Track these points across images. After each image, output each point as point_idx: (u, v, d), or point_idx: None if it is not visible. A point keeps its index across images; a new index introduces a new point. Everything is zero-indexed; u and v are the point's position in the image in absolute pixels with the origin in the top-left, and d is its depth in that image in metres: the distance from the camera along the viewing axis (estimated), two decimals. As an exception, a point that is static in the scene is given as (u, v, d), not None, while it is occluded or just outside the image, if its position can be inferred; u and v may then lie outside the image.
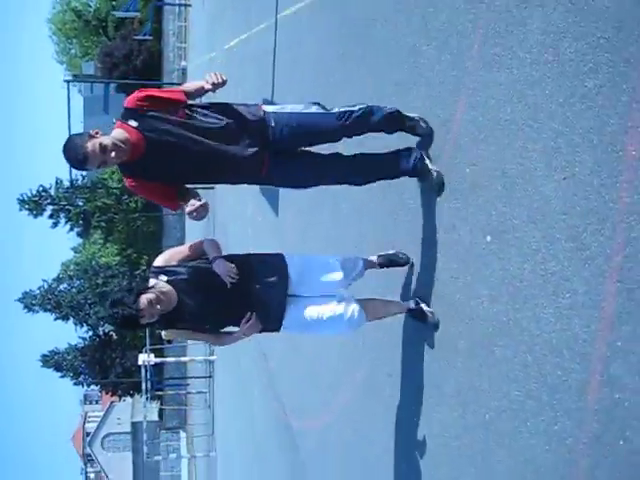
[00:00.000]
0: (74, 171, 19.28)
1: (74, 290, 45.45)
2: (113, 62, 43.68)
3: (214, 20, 19.54)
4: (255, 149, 3.46)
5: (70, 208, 45.12)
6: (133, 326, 3.46)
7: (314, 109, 3.58)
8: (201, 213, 3.34)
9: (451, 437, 3.53)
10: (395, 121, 3.71)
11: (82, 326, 45.34)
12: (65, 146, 3.26)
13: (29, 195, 44.46)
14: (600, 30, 2.37)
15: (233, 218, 15.43)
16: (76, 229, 46.68)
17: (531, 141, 2.79)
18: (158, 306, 3.36)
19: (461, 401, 3.43)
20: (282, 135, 3.51)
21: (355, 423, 5.41)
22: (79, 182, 42.04)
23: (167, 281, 3.45)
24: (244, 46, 12.13)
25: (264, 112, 3.53)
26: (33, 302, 44.68)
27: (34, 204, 44.32)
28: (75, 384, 46.25)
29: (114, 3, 45.91)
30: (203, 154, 3.39)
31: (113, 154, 3.22)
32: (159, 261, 3.58)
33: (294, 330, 3.90)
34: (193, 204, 3.32)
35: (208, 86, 3.41)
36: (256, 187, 10.74)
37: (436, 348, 3.70)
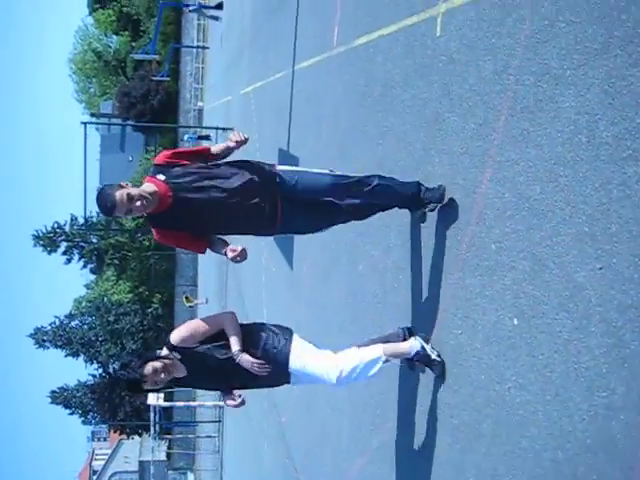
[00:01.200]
0: (89, 208, 19.29)
1: (85, 327, 45.38)
2: (131, 101, 44.26)
3: (231, 64, 19.73)
4: (271, 203, 3.65)
5: (84, 245, 45.28)
6: (136, 390, 3.57)
7: (326, 171, 3.78)
8: (243, 256, 3.53)
9: (474, 528, 3.32)
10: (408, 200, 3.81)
11: (92, 363, 45.15)
12: (98, 195, 3.43)
13: (44, 231, 44.68)
14: (639, 116, 2.24)
15: (247, 265, 15.33)
16: (89, 266, 46.75)
17: (563, 224, 2.65)
18: (162, 375, 3.47)
19: (485, 490, 3.22)
20: (293, 190, 3.69)
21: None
22: (93, 219, 42.27)
23: (180, 359, 3.41)
24: (261, 93, 12.16)
25: (278, 171, 3.74)
26: (44, 338, 44.61)
27: (48, 240, 44.51)
28: (83, 422, 45.87)
29: (133, 44, 46.64)
30: (227, 206, 3.56)
31: (139, 203, 3.38)
32: (176, 338, 3.51)
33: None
34: (234, 250, 3.51)
35: (233, 144, 3.62)
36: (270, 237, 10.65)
37: (457, 432, 3.51)
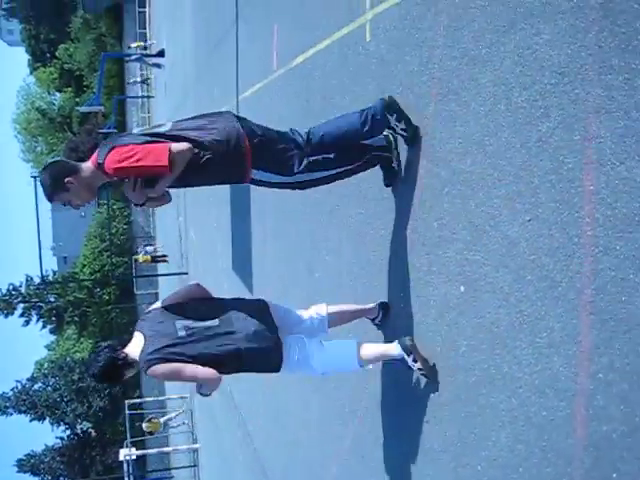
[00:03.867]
0: (45, 267, 19.08)
1: (49, 388, 44.41)
2: (79, 156, 44.03)
3: (177, 109, 19.96)
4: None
5: (42, 305, 44.56)
6: (113, 374, 3.53)
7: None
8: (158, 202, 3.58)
9: (445, 494, 3.47)
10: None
11: (59, 425, 44.08)
12: (41, 180, 3.45)
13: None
14: (546, 77, 2.50)
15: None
16: (49, 326, 46.01)
17: (493, 189, 2.88)
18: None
19: (452, 455, 3.39)
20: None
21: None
22: (50, 278, 41.68)
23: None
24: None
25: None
26: (7, 404, 43.44)
27: (4, 303, 43.71)
28: (54, 489, 44.52)
29: (77, 100, 46.66)
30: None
31: (77, 206, 3.49)
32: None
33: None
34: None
35: None
36: (228, 265, 10.78)
37: (420, 405, 3.68)
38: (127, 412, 25.84)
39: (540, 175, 2.56)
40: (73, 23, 48.62)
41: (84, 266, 44.55)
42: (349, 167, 3.71)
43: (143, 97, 35.72)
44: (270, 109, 7.14)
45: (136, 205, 3.55)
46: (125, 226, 44.74)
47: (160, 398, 28.62)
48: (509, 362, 2.85)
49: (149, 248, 31.42)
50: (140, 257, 27.16)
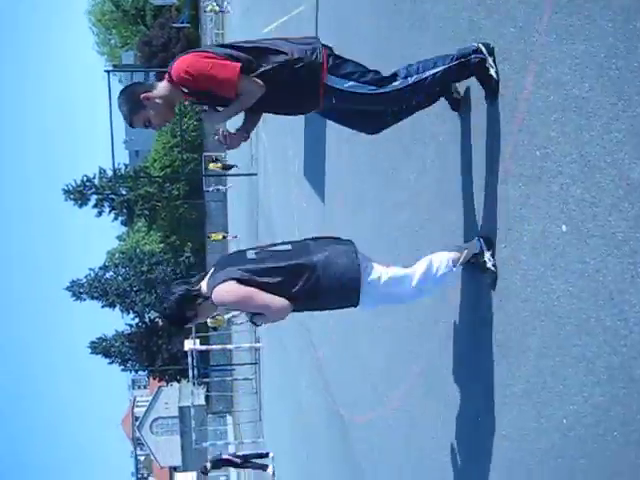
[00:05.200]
0: (117, 160, 19.25)
1: (120, 278, 46.17)
2: (152, 50, 43.86)
3: (251, 4, 19.33)
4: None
5: (114, 197, 45.70)
6: (181, 317, 3.35)
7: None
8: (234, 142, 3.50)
9: (524, 440, 3.28)
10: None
11: (128, 313, 46.10)
12: (119, 105, 3.36)
13: (74, 185, 45.14)
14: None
15: (277, 204, 15.29)
16: (120, 218, 47.29)
17: (615, 120, 2.50)
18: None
19: (534, 402, 3.17)
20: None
21: (413, 419, 5.20)
22: (122, 171, 42.48)
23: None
24: (284, 28, 11.88)
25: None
26: (81, 290, 45.54)
27: (78, 194, 45.00)
28: (123, 370, 47.07)
29: (151, -9, 45.93)
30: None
31: (157, 126, 3.39)
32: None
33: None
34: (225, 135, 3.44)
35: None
36: (299, 171, 10.55)
37: (505, 345, 3.45)
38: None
39: (680, 110, 2.18)
40: None
41: (155, 161, 45.10)
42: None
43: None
44: (352, 10, 6.67)
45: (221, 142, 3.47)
46: (196, 122, 44.74)
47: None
48: (613, 316, 2.56)
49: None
50: (210, 165, 27.50)
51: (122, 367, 46.39)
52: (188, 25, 40.00)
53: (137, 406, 57.37)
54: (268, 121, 16.37)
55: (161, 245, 49.61)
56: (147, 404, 54.83)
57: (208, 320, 21.06)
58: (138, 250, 48.55)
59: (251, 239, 22.15)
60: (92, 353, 46.25)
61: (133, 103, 3.29)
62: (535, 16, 3.03)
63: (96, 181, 45.35)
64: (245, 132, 3.57)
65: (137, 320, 45.90)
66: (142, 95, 3.27)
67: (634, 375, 2.45)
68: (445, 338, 4.25)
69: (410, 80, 3.42)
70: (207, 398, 39.83)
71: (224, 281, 3.21)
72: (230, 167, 27.27)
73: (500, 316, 3.50)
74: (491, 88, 3.46)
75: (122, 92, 3.36)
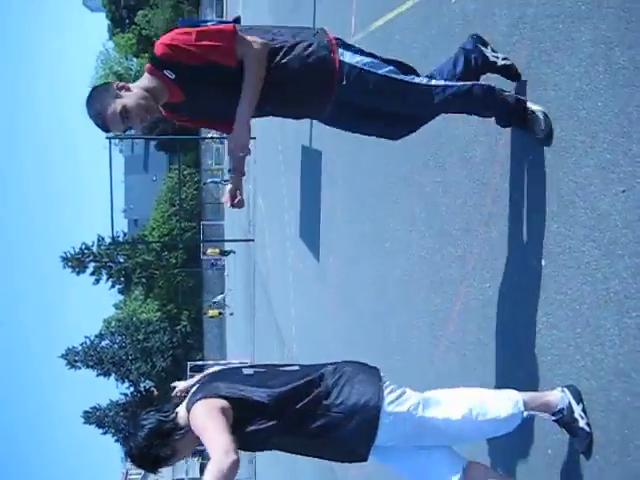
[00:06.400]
0: (116, 228, 19.43)
1: (116, 346, 45.94)
2: (153, 121, 44.83)
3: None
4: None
5: (112, 265, 45.90)
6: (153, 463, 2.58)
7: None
8: (240, 204, 3.02)
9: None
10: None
11: (123, 382, 45.62)
12: (87, 103, 2.75)
13: (72, 253, 45.38)
14: (655, 35, 2.29)
15: (273, 267, 15.44)
16: (117, 286, 47.41)
17: (584, 157, 2.69)
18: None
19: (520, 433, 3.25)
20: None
21: None
22: (120, 239, 42.76)
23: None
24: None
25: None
26: (76, 358, 45.19)
27: (77, 261, 45.22)
28: (116, 441, 46.22)
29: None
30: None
31: (138, 120, 2.74)
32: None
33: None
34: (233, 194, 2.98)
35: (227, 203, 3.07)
36: (295, 233, 10.75)
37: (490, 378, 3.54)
38: (189, 374, 26.44)
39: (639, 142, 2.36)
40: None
41: (153, 229, 45.54)
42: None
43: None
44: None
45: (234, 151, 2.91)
46: (195, 191, 45.39)
47: (222, 362, 29.21)
48: (591, 342, 2.67)
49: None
50: (209, 250, 28.39)
51: (115, 438, 45.59)
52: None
53: (129, 479, 55.97)
54: (265, 185, 16.69)
55: (158, 313, 49.47)
56: (140, 477, 53.49)
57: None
58: (135, 318, 48.41)
59: (247, 314, 22.16)
60: (85, 423, 45.57)
61: (106, 93, 2.71)
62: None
63: (94, 249, 45.65)
64: (240, 178, 3.05)
65: (132, 389, 45.41)
66: (117, 84, 2.76)
67: (611, 398, 2.55)
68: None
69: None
70: (202, 468, 38.95)
71: (203, 397, 2.52)
72: (228, 253, 27.76)
73: (481, 351, 3.60)
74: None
75: (93, 89, 2.79)
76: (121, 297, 54.89)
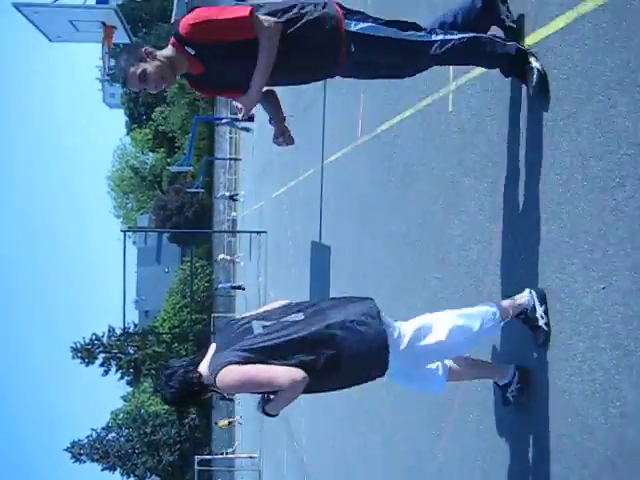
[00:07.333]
0: (127, 319, 19.56)
1: (122, 439, 45.06)
2: (166, 214, 45.76)
3: (263, 172, 20.60)
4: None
5: (121, 356, 45.67)
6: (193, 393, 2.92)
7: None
8: (290, 141, 3.41)
9: None
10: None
11: (129, 477, 44.53)
12: (117, 56, 3.17)
13: (82, 343, 45.30)
14: (622, 148, 2.56)
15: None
16: (126, 377, 46.98)
17: (567, 257, 2.92)
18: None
19: None
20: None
21: None
22: (131, 329, 42.81)
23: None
24: (292, 192, 12.73)
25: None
26: (81, 452, 44.29)
27: (86, 352, 45.04)
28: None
29: (169, 160, 48.74)
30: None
31: (153, 85, 3.07)
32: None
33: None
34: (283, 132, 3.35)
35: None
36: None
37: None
38: (196, 468, 25.95)
39: (615, 243, 2.59)
40: (169, 88, 51.21)
41: (164, 321, 45.59)
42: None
43: (230, 159, 37.05)
44: (353, 174, 7.35)
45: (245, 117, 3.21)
46: (207, 284, 45.72)
47: (230, 456, 28.66)
48: (581, 431, 2.82)
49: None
50: (220, 422, 29.85)
51: (119, 537, 44.07)
52: (202, 190, 42.04)
53: None
54: (276, 278, 16.93)
55: (166, 407, 48.77)
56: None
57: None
58: (143, 411, 47.73)
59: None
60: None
61: (134, 54, 3.03)
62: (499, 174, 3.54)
63: (104, 339, 45.58)
64: (282, 122, 3.40)
65: (137, 485, 44.27)
66: (145, 49, 3.04)
67: (601, 485, 2.67)
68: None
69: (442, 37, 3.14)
70: None
71: (223, 366, 2.78)
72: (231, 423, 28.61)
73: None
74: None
75: (125, 45, 3.21)
76: (130, 389, 54.38)
